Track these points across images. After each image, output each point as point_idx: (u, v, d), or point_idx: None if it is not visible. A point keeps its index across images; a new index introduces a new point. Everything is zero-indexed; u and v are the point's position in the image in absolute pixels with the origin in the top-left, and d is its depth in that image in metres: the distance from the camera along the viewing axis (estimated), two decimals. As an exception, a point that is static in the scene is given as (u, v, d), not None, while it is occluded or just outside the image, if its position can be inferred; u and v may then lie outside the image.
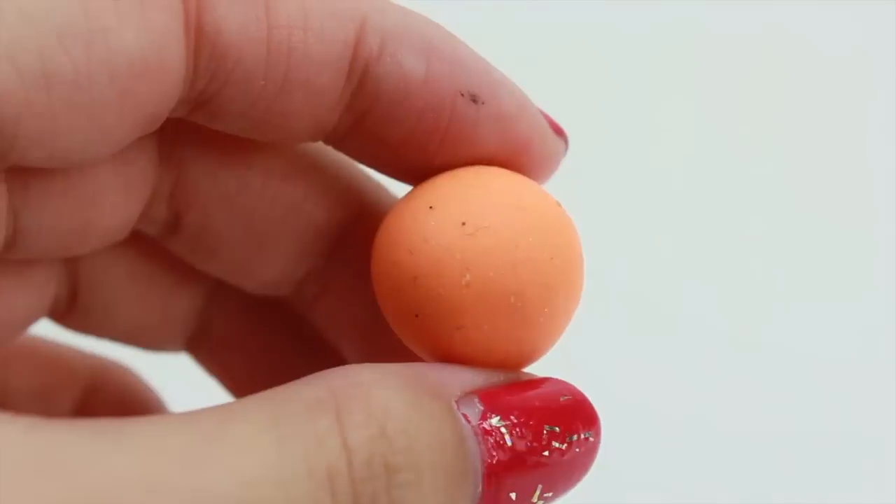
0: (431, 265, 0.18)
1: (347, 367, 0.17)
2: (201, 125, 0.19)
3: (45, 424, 0.14)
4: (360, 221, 0.22)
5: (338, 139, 0.20)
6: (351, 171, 0.22)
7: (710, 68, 0.49)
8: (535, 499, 0.17)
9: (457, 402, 0.17)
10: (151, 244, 0.23)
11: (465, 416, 0.17)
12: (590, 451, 0.18)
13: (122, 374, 0.26)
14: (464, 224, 0.18)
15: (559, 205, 0.20)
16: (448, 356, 0.19)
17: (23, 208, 0.19)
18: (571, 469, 0.18)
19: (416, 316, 0.18)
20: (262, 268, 0.22)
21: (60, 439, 0.14)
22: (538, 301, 0.18)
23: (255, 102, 0.18)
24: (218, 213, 0.21)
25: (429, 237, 0.18)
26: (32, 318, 0.23)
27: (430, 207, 0.19)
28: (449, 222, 0.18)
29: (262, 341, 0.25)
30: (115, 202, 0.20)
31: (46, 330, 0.24)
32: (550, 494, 0.18)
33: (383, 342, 0.21)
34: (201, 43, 0.18)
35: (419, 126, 0.19)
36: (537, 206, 0.19)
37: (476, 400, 0.17)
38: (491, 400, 0.18)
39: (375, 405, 0.16)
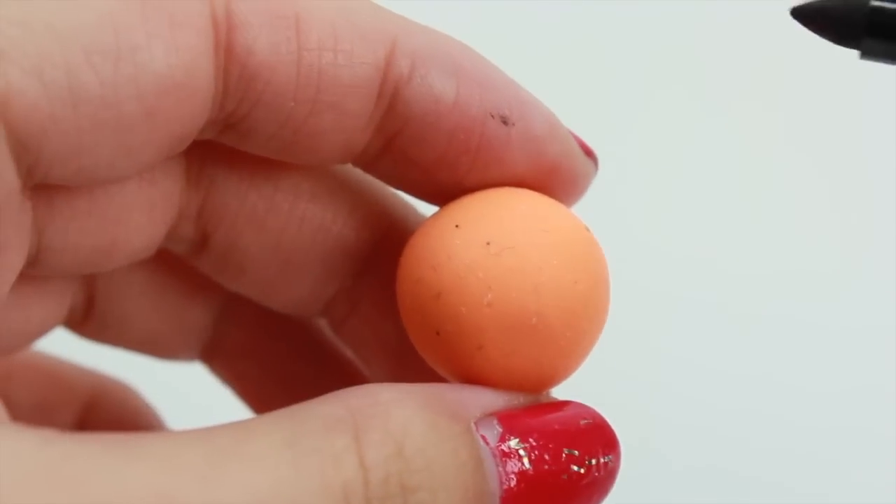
0: (454, 283, 0.18)
1: (366, 386, 0.17)
2: (230, 146, 0.19)
3: (58, 437, 0.14)
4: (389, 242, 0.22)
5: (368, 162, 0.20)
6: (379, 191, 0.22)
7: (744, 89, 0.49)
8: None
9: (476, 423, 0.17)
10: (167, 254, 0.23)
11: (483, 437, 0.17)
12: (609, 475, 0.18)
13: (121, 392, 0.26)
14: (488, 244, 0.18)
15: (587, 229, 0.19)
16: (469, 376, 0.19)
17: (47, 226, 0.19)
18: (590, 493, 0.18)
19: (438, 334, 0.18)
20: (291, 288, 0.22)
21: (73, 452, 0.14)
22: (560, 324, 0.18)
23: (285, 124, 0.19)
24: (246, 233, 0.21)
25: (453, 255, 0.18)
26: (48, 327, 0.23)
27: (456, 226, 0.19)
28: (474, 241, 0.18)
29: (277, 351, 0.25)
30: (140, 222, 0.20)
31: (55, 339, 0.24)
32: None
33: (411, 363, 0.21)
34: (231, 64, 0.18)
35: (449, 148, 0.19)
36: (564, 229, 0.19)
37: (495, 422, 0.17)
38: (510, 422, 0.17)
39: (394, 425, 0.16)
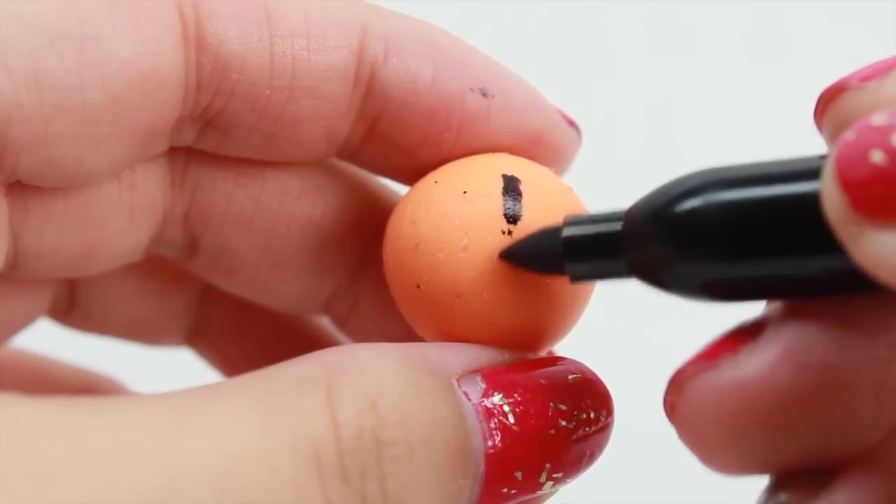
0: (432, 231, 0.18)
1: (343, 346, 0.17)
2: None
3: (20, 398, 0.14)
4: (383, 236, 0.22)
5: (352, 152, 0.20)
6: (369, 185, 0.22)
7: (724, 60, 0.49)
8: (542, 479, 0.17)
9: (458, 380, 0.17)
10: None
11: (465, 393, 0.16)
12: (601, 431, 0.17)
13: (109, 387, 0.26)
14: (465, 192, 0.18)
15: (571, 189, 0.19)
16: (451, 330, 0.18)
17: (23, 229, 0.19)
18: (581, 449, 0.17)
19: (418, 287, 0.18)
20: (285, 287, 0.22)
21: (35, 411, 0.14)
22: None
23: (263, 114, 0.18)
24: (235, 234, 0.21)
25: (431, 206, 0.18)
26: (31, 318, 0.22)
27: (436, 182, 0.19)
28: (451, 192, 0.18)
29: (262, 331, 0.25)
30: (120, 225, 0.20)
31: (45, 332, 0.23)
32: (560, 475, 0.17)
33: None
34: (203, 54, 0.18)
35: (432, 125, 0.19)
36: (542, 182, 0.19)
37: (478, 378, 0.17)
38: (494, 378, 0.17)
39: (368, 381, 0.15)
